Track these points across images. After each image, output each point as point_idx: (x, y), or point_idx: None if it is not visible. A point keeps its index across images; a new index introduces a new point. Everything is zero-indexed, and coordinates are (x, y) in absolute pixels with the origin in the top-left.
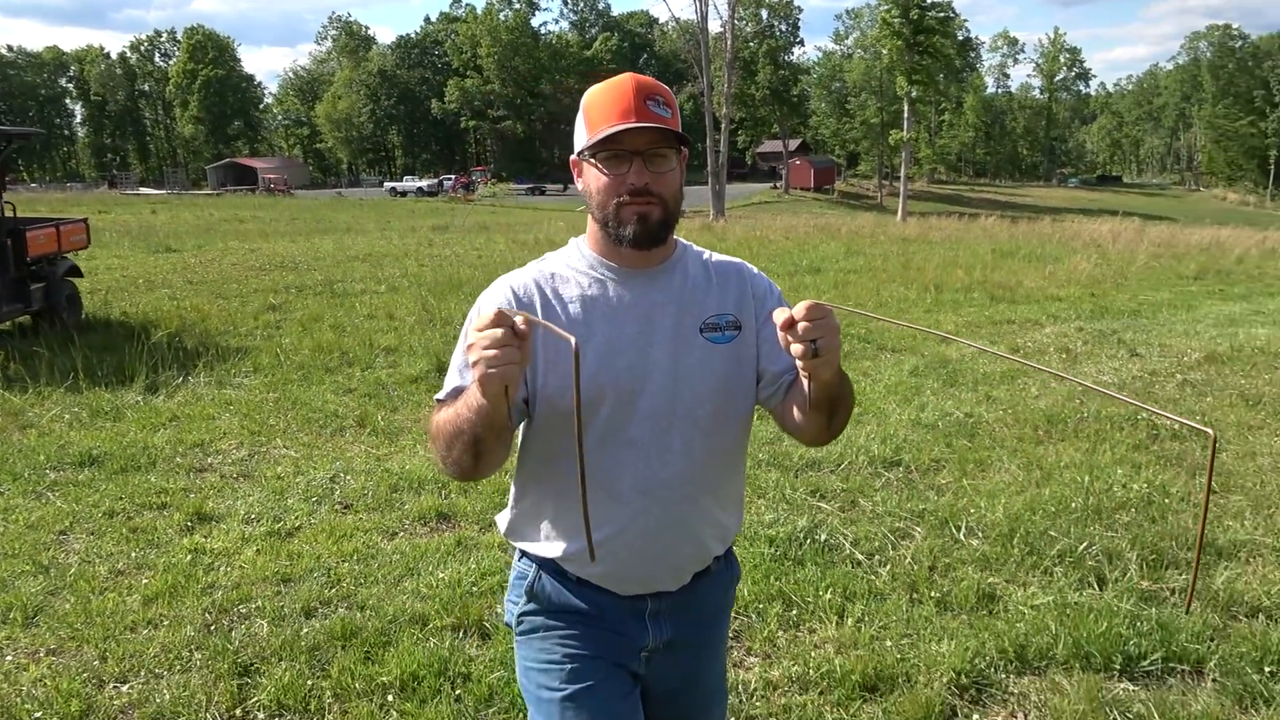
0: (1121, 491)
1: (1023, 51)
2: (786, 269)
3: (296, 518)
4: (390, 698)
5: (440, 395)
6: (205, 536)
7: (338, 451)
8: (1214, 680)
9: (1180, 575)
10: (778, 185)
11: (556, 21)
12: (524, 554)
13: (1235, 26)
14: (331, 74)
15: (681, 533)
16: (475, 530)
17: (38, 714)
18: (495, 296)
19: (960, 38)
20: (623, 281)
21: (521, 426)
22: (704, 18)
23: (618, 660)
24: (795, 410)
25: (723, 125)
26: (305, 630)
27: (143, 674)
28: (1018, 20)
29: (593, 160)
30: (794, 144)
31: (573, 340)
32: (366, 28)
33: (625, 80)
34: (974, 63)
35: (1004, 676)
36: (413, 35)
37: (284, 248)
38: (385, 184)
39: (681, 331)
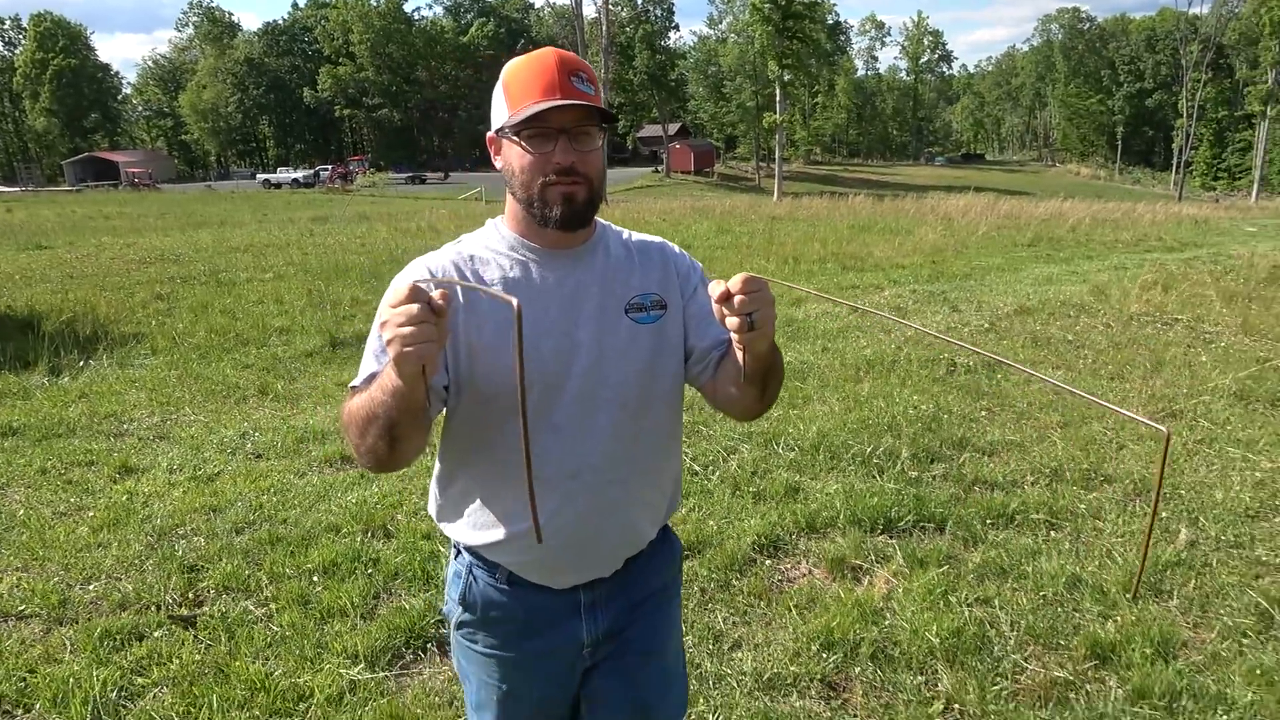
0: (913, 412)
1: (889, 34)
2: None
3: (215, 466)
4: (315, 578)
5: (355, 383)
6: (135, 483)
7: (244, 416)
8: (949, 531)
9: (941, 466)
10: (659, 169)
11: (430, 7)
12: (458, 549)
13: (1084, 9)
14: (194, 62)
15: (612, 516)
16: None
17: (21, 606)
18: (411, 278)
19: (829, 22)
20: (545, 263)
21: (444, 410)
22: (579, 3)
23: (555, 692)
24: (727, 385)
25: None
26: (238, 540)
27: (103, 578)
28: (884, 3)
29: (515, 138)
30: (674, 128)
31: (514, 302)
32: (230, 14)
33: (548, 55)
34: (844, 46)
35: (795, 538)
36: (280, 22)
37: (161, 241)
38: (258, 176)
39: (606, 313)
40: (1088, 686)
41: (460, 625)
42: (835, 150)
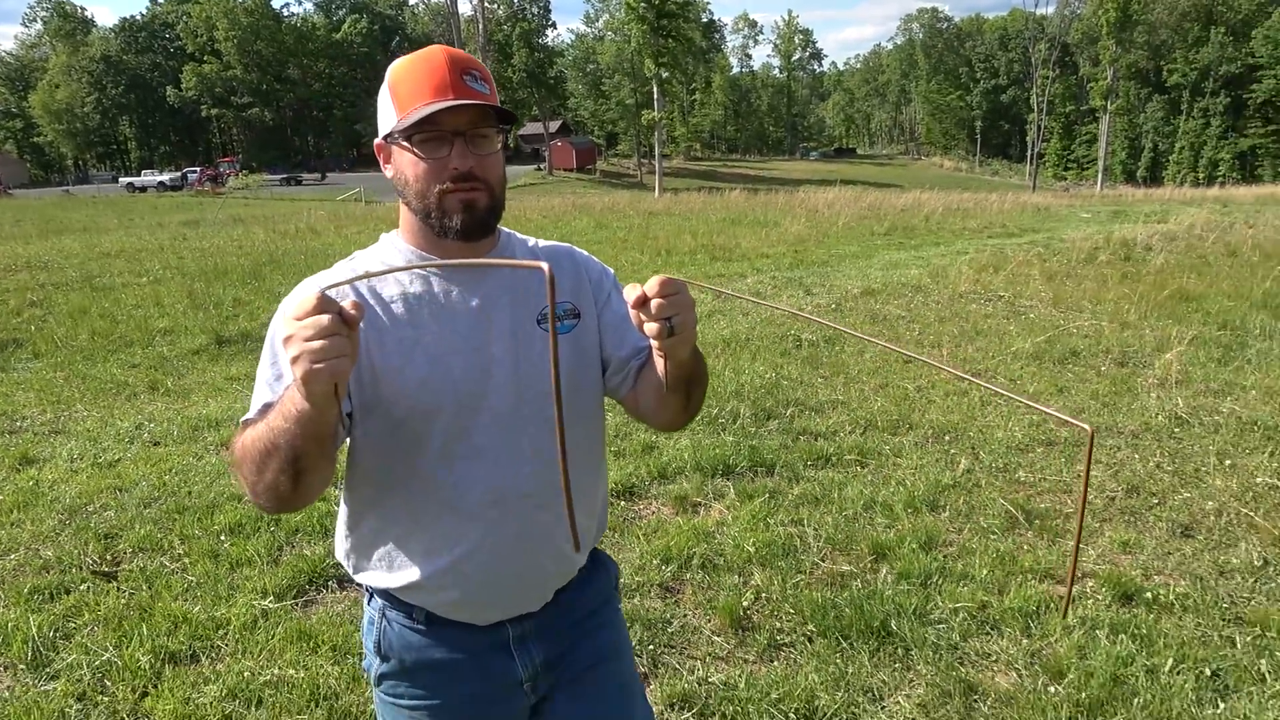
0: (758, 380)
1: (762, 33)
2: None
3: (114, 454)
4: (223, 537)
5: (247, 416)
6: (38, 472)
7: (137, 409)
8: (777, 472)
9: (776, 422)
10: (541, 167)
11: (300, 3)
12: (371, 594)
13: (942, 10)
14: (45, 60)
15: (540, 544)
16: None
17: None
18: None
19: (704, 20)
20: (448, 276)
21: (347, 443)
22: (454, 0)
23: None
24: (649, 395)
25: None
26: (147, 512)
27: (22, 550)
28: (756, 2)
29: (406, 144)
30: (555, 126)
31: (545, 267)
32: (83, 9)
33: (436, 53)
34: (718, 44)
35: (648, 485)
36: (139, 17)
37: (24, 249)
38: (121, 179)
39: (518, 325)
40: (866, 575)
41: (380, 680)
42: (714, 146)
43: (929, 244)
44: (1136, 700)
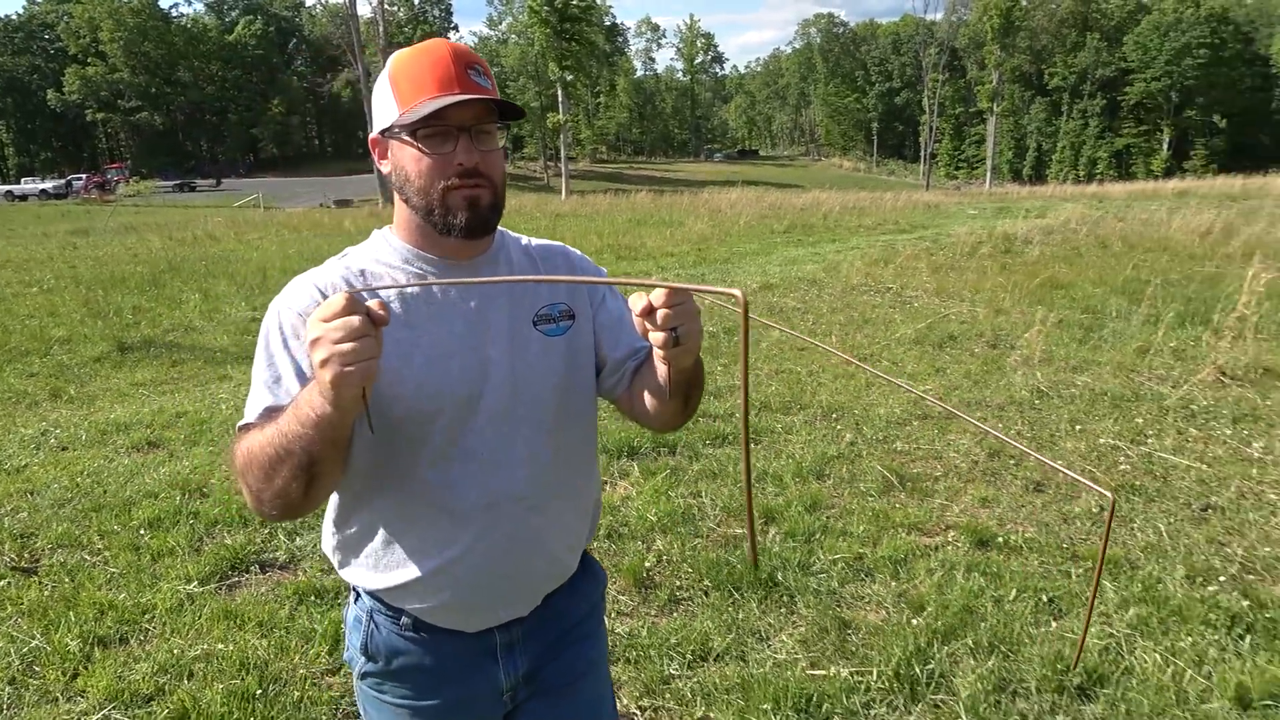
0: None
1: (664, 36)
2: None
3: (21, 459)
4: (142, 531)
5: (246, 420)
6: None
7: (40, 417)
8: (679, 452)
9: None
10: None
11: (189, 3)
12: (357, 593)
13: (838, 14)
14: None
15: (533, 548)
16: (183, 448)
17: None
18: (299, 298)
19: (607, 24)
20: (445, 275)
21: None
22: (353, 2)
23: None
24: (645, 396)
25: None
26: (62, 511)
27: None
28: (658, 6)
29: (409, 139)
30: None
31: (738, 294)
32: None
33: (440, 46)
34: (622, 47)
35: None
36: (14, 17)
37: None
38: None
39: (515, 326)
40: (757, 536)
41: (365, 675)
42: (620, 149)
43: (826, 241)
44: (984, 624)
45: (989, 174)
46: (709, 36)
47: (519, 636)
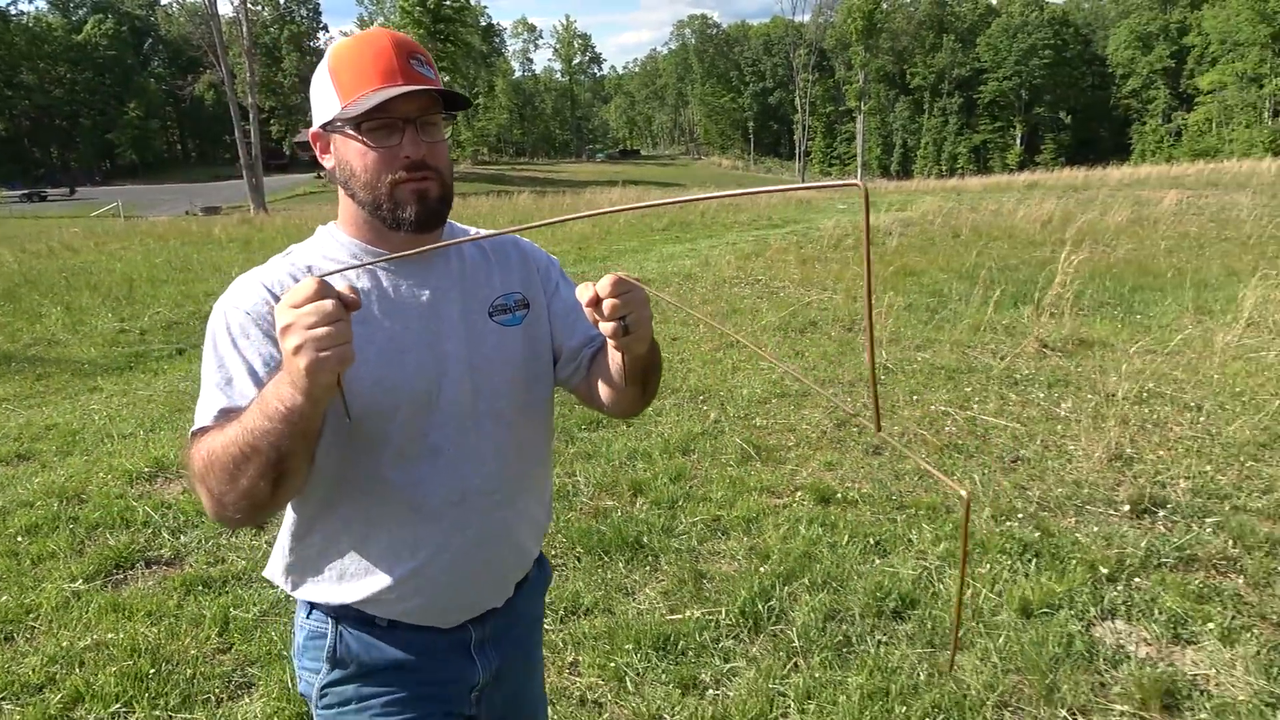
0: None
1: (541, 37)
2: None
3: None
4: (20, 538)
5: (201, 424)
6: None
7: None
8: (556, 436)
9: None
10: (322, 175)
11: (31, 1)
12: (313, 607)
13: (712, 16)
14: None
15: (503, 541)
16: (55, 458)
17: None
18: (246, 297)
19: (483, 24)
20: (396, 270)
21: None
22: (213, 1)
23: (445, 711)
24: (602, 385)
25: (251, 115)
26: None
27: None
28: (535, 6)
29: (353, 132)
30: None
31: (860, 184)
32: None
33: (380, 36)
34: (499, 48)
35: None
36: None
37: None
38: None
39: (470, 318)
40: (626, 506)
41: (328, 688)
42: (502, 150)
43: (702, 237)
44: (819, 566)
45: (859, 170)
46: (586, 37)
47: (490, 632)
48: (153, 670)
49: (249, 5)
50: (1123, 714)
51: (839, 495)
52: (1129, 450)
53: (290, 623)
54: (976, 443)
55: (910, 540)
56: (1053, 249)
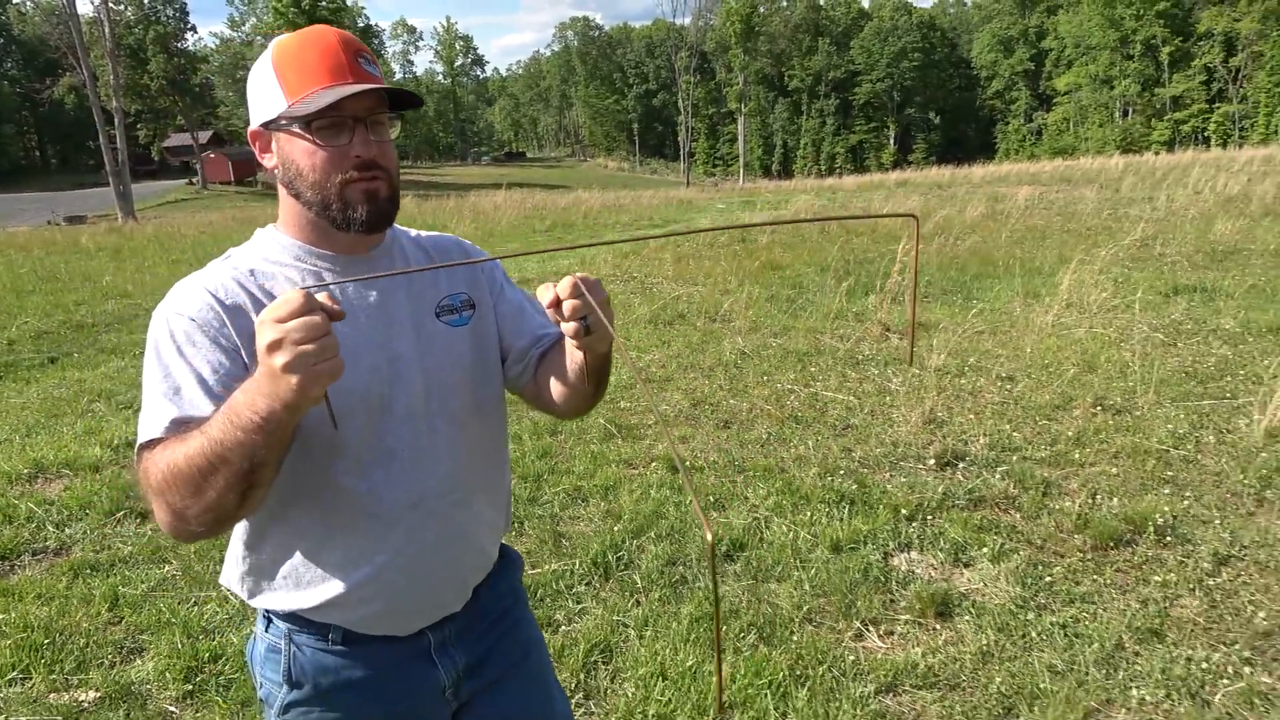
0: None
1: (422, 39)
2: (199, 258)
3: None
4: None
5: (151, 435)
6: None
7: None
8: None
9: None
10: (194, 181)
11: None
12: (270, 618)
13: (594, 18)
14: None
15: (461, 543)
16: None
17: None
18: (189, 303)
19: (360, 25)
20: (343, 271)
21: None
22: (72, 1)
23: None
24: (553, 384)
25: (117, 120)
26: None
27: None
28: (413, 7)
29: (302, 131)
30: (206, 136)
31: (915, 214)
32: None
33: (326, 33)
34: (378, 50)
35: None
36: None
37: None
38: None
39: (419, 319)
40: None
41: (288, 708)
42: None
43: (584, 237)
44: (665, 522)
45: (741, 171)
46: (468, 39)
47: (452, 634)
48: (47, 641)
49: (110, 5)
50: (906, 622)
51: (688, 462)
52: (941, 415)
53: (175, 597)
54: (814, 414)
55: (746, 496)
56: (910, 242)
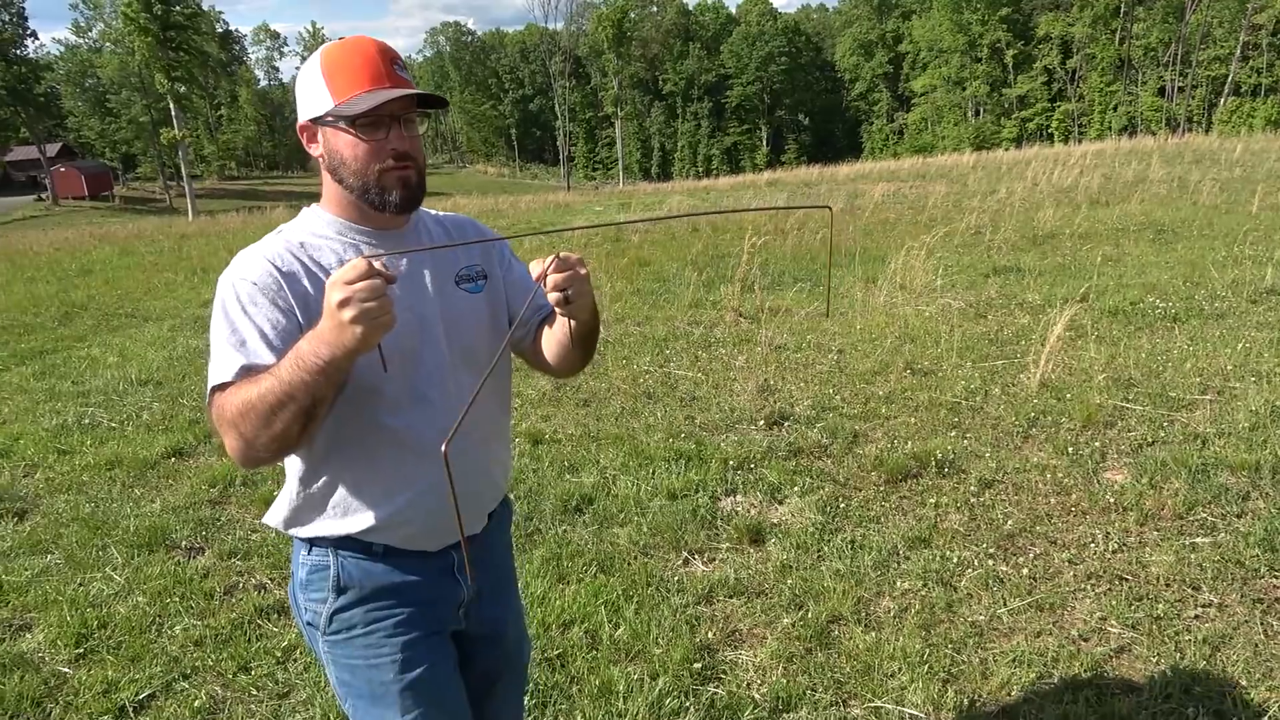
0: None
1: (287, 44)
2: (56, 275)
3: None
4: None
5: (224, 379)
6: None
7: None
8: None
9: None
10: (43, 197)
11: None
12: (313, 544)
13: (466, 23)
14: None
15: (482, 476)
16: None
17: None
18: (252, 269)
19: (220, 31)
20: (378, 244)
21: None
22: None
23: (440, 629)
24: (548, 347)
25: None
26: None
27: None
28: (276, 12)
29: (346, 127)
30: (55, 149)
31: (831, 207)
32: None
33: (367, 44)
34: (240, 56)
35: None
36: None
37: None
38: None
39: (440, 285)
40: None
41: (334, 616)
42: (252, 164)
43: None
44: (523, 485)
45: (620, 174)
46: None
47: (472, 555)
48: None
49: None
50: (726, 549)
51: (548, 436)
52: (775, 384)
53: (61, 580)
54: (666, 390)
55: (598, 461)
56: (771, 236)
